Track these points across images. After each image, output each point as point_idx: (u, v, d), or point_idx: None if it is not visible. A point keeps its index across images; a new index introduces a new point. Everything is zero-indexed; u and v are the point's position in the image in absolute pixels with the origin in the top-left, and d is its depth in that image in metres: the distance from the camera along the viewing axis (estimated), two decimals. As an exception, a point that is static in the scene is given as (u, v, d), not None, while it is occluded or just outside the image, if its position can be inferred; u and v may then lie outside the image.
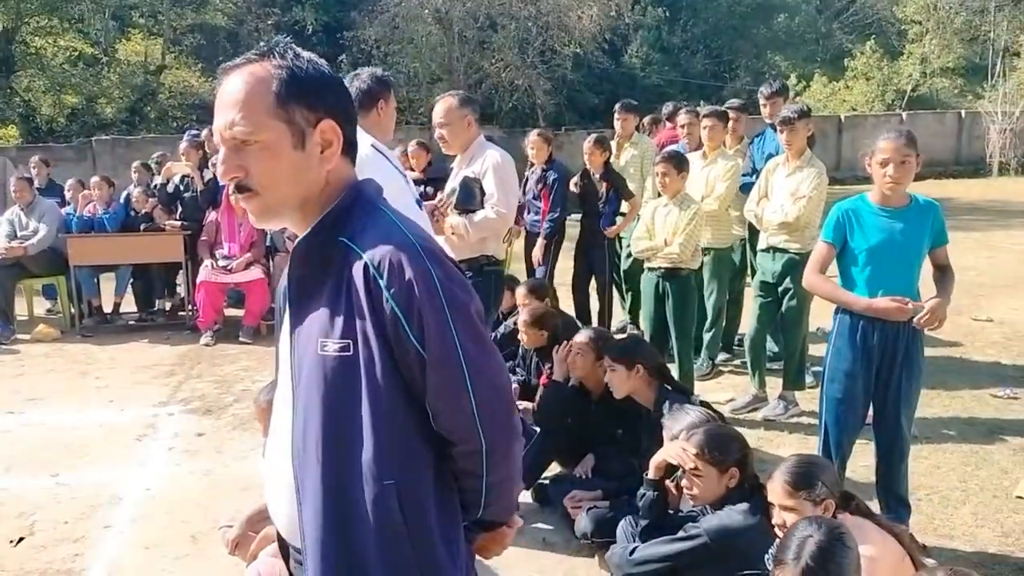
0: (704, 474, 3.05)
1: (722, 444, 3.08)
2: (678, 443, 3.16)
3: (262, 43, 1.54)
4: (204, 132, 8.68)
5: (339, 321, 1.47)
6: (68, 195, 8.62)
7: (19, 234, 7.96)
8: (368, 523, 1.48)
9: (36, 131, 20.80)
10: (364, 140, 3.79)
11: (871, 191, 3.58)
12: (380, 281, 1.44)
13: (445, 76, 21.88)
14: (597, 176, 6.66)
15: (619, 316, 7.33)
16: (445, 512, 1.54)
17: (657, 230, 5.27)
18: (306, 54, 1.54)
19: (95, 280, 8.25)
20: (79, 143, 17.54)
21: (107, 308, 8.35)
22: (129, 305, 8.44)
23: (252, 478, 4.62)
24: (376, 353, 1.45)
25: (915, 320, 3.40)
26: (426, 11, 20.82)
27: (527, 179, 7.23)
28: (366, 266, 1.45)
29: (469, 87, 21.80)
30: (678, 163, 5.27)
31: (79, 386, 6.41)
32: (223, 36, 23.58)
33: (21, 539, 3.95)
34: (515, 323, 5.27)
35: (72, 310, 8.13)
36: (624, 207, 6.70)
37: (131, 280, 8.25)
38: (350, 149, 1.58)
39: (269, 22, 22.88)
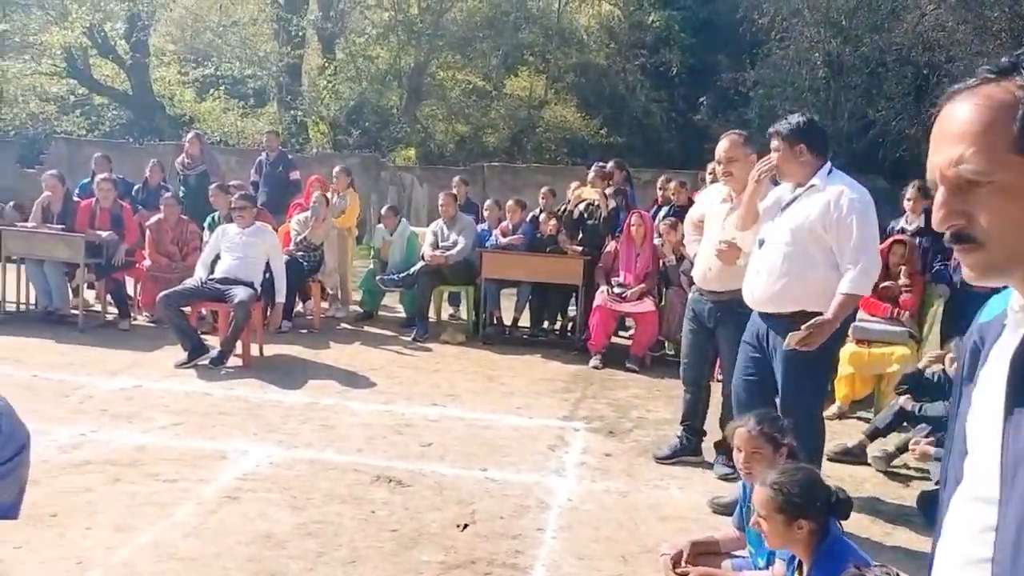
0: None
1: None
2: None
3: (1004, 57, 1.20)
4: (611, 164, 9.12)
5: None
6: (485, 214, 9.38)
7: (440, 244, 8.77)
8: None
9: (429, 155, 23.17)
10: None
11: None
12: None
13: (827, 121, 21.01)
14: None
15: None
16: None
17: None
18: None
19: (497, 294, 8.86)
20: (472, 167, 19.19)
21: (506, 320, 8.92)
22: (523, 320, 8.94)
23: (667, 507, 4.61)
24: None
25: None
26: (816, 54, 20.16)
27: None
28: None
29: (851, 134, 20.76)
30: None
31: (488, 388, 6.87)
32: (597, 74, 24.65)
33: (466, 525, 4.22)
34: None
35: (474, 319, 8.79)
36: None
37: (529, 297, 8.75)
38: None
39: (636, 63, 23.50)
